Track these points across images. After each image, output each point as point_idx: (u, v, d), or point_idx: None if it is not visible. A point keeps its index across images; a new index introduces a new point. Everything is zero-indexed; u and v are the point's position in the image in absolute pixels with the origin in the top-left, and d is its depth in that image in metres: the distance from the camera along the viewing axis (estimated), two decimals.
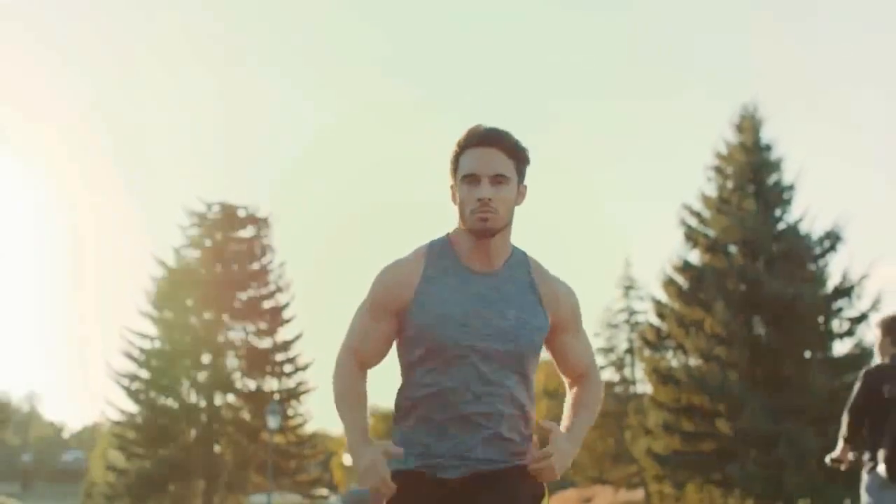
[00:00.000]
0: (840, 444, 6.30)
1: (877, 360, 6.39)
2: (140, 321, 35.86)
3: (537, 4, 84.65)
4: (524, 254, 3.10)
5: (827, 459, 6.34)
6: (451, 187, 3.04)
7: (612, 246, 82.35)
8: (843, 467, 6.25)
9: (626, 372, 40.62)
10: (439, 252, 3.03)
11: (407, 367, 3.03)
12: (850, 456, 6.23)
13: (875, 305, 27.43)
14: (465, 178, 2.95)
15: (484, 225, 2.93)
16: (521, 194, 3.03)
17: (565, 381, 3.22)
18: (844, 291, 27.74)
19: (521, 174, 3.01)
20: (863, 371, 6.28)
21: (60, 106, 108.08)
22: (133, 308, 40.23)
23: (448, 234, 3.07)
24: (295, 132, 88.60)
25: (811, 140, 67.91)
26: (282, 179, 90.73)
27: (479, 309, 2.96)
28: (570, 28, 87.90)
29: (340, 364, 3.06)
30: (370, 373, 3.11)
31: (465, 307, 2.95)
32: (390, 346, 3.06)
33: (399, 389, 3.06)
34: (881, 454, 6.00)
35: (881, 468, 6.00)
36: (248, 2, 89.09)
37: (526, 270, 3.05)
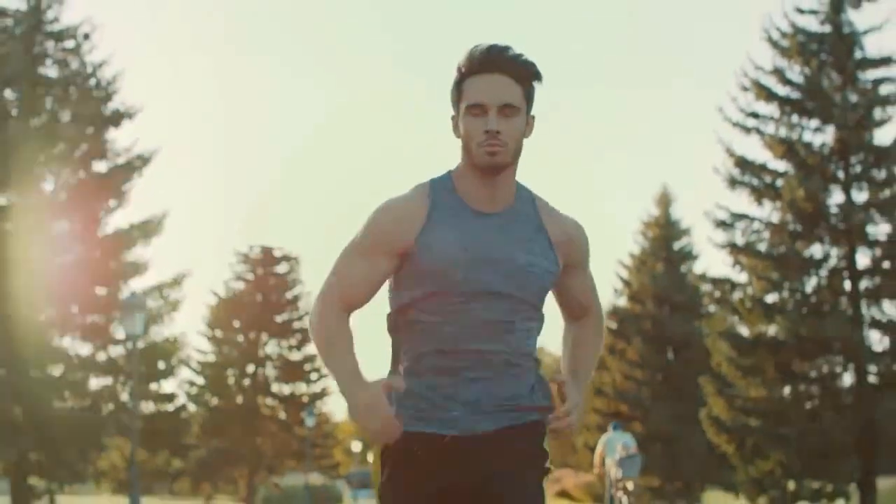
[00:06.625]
0: None
1: None
2: (197, 339, 49.34)
3: None
4: (528, 190, 3.07)
5: None
6: (453, 118, 2.97)
7: (607, 236, 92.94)
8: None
9: None
10: (442, 191, 2.98)
11: (402, 312, 3.01)
12: None
13: None
14: (471, 108, 2.89)
15: (492, 160, 2.88)
16: (529, 125, 2.97)
17: (563, 314, 3.25)
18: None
19: (529, 102, 2.96)
20: None
21: None
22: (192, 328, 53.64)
23: (450, 172, 3.02)
24: (299, 124, 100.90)
25: None
26: (284, 178, 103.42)
27: (488, 251, 2.92)
28: (575, 15, 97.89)
29: (327, 308, 2.99)
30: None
31: (473, 250, 2.92)
32: (379, 288, 3.03)
33: (395, 336, 3.05)
34: None
35: None
36: None
37: (533, 209, 3.02)
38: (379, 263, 2.98)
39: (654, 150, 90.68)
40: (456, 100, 2.95)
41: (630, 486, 17.60)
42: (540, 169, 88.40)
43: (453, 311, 2.93)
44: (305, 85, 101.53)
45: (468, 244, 2.93)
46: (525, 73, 2.93)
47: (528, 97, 2.95)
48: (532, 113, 2.99)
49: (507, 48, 2.92)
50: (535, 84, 2.97)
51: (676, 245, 42.48)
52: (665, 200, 43.00)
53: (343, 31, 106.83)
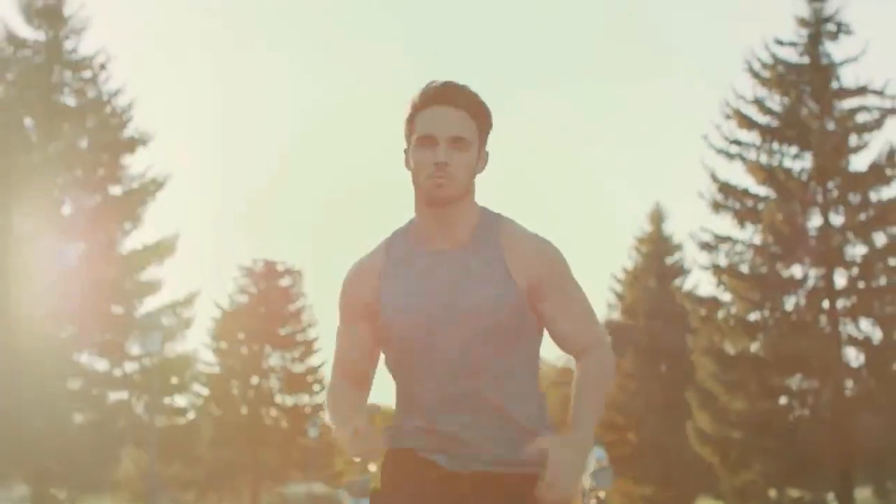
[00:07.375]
0: None
1: None
2: (202, 351, 50.70)
3: None
4: (496, 217, 2.97)
5: None
6: (405, 151, 2.91)
7: (601, 234, 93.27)
8: None
9: None
10: (399, 240, 2.96)
11: (391, 374, 2.99)
12: None
13: None
14: (421, 140, 2.84)
15: (439, 192, 2.83)
16: (482, 160, 2.91)
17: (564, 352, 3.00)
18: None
19: (483, 138, 2.90)
20: None
21: None
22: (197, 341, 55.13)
23: (411, 220, 2.98)
24: (299, 131, 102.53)
25: None
26: (281, 174, 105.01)
27: (445, 293, 2.87)
28: (575, 15, 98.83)
29: (329, 389, 3.05)
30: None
31: (428, 295, 2.88)
32: (377, 351, 3.01)
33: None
34: None
35: None
36: None
37: (495, 238, 2.91)
38: (359, 329, 2.99)
39: (651, 166, 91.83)
40: (408, 133, 2.90)
41: (602, 495, 19.81)
42: (538, 174, 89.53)
43: (422, 362, 2.89)
44: (307, 91, 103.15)
45: (423, 289, 2.88)
46: (479, 112, 2.89)
47: (482, 134, 2.90)
48: (487, 150, 2.94)
49: (463, 86, 2.89)
50: (489, 127, 2.93)
51: (669, 260, 44.14)
52: (657, 217, 44.67)
53: (353, 33, 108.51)
